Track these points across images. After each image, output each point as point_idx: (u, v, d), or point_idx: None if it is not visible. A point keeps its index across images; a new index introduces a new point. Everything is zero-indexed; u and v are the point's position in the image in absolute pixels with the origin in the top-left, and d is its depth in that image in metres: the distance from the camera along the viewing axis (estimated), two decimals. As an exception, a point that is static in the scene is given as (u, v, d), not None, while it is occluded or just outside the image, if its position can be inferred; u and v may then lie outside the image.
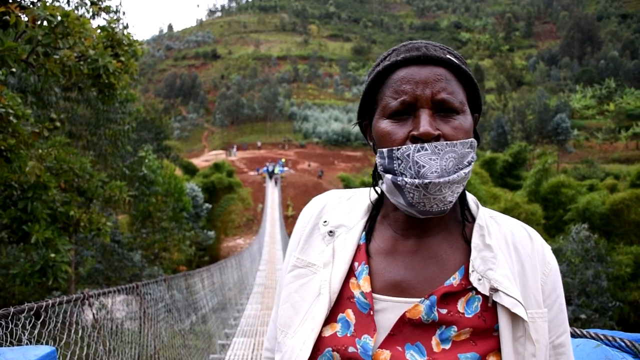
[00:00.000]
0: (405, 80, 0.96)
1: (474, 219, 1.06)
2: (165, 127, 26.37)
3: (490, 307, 0.94)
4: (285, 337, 1.00)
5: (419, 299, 0.94)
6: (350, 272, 1.01)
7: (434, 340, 0.91)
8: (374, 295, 0.97)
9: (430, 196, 0.91)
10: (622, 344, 1.30)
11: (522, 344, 0.91)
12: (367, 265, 1.01)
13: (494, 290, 0.93)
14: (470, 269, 0.96)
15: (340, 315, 0.97)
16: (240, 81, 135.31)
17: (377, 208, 1.11)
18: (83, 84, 5.85)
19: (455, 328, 0.91)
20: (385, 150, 0.96)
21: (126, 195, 9.24)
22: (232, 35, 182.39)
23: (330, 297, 0.97)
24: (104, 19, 6.19)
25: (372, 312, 0.94)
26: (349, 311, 0.97)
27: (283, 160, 71.84)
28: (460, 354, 0.89)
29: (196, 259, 25.82)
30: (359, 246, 1.05)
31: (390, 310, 0.95)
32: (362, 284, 0.98)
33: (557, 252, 18.72)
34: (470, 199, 1.10)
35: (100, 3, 6.13)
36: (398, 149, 0.93)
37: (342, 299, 0.99)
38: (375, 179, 1.11)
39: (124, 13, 10.31)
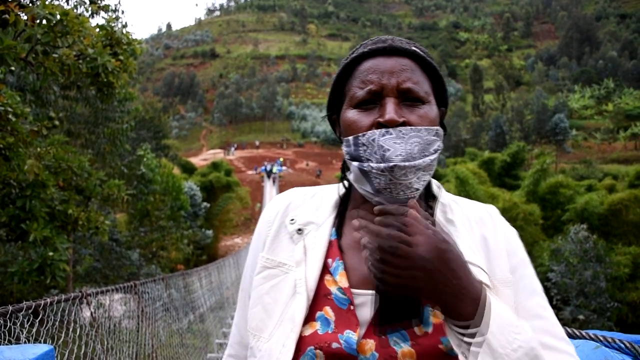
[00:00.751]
0: (371, 70, 0.98)
1: (435, 201, 1.08)
2: (164, 126, 26.34)
3: None
4: (259, 342, 0.98)
5: None
6: (324, 269, 1.01)
7: (414, 322, 0.91)
8: (352, 290, 0.97)
9: (396, 181, 0.92)
10: (622, 345, 1.30)
11: None
12: (342, 261, 1.01)
13: None
14: None
15: (318, 314, 0.96)
16: (238, 80, 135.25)
17: (346, 202, 1.11)
18: (82, 83, 5.85)
19: (429, 309, 0.92)
20: (351, 137, 0.98)
21: (124, 194, 9.24)
22: (231, 35, 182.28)
23: (308, 296, 0.97)
24: (102, 17, 6.19)
25: (352, 307, 0.94)
26: (327, 308, 0.96)
27: (281, 159, 71.79)
28: (442, 337, 0.90)
29: (194, 257, 25.80)
30: (330, 242, 1.04)
31: (369, 303, 0.94)
32: (339, 280, 0.98)
33: (555, 252, 18.76)
34: (434, 183, 1.12)
35: (99, 2, 6.12)
36: (363, 135, 0.95)
37: (319, 297, 0.98)
38: (344, 172, 1.11)
39: (122, 12, 10.29)
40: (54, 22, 4.50)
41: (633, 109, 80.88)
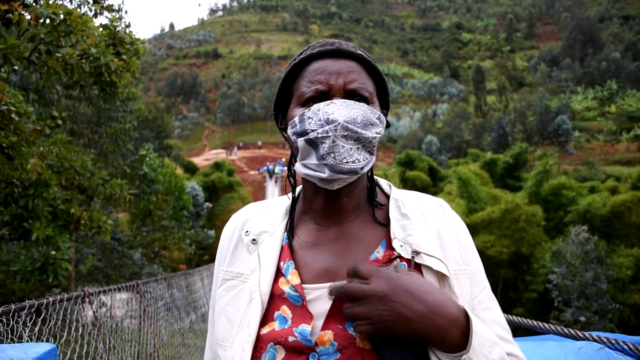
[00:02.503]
0: (319, 71, 1.03)
1: (388, 199, 1.13)
2: (166, 125, 26.38)
3: (414, 270, 0.99)
4: (225, 351, 1.02)
5: (348, 279, 0.97)
6: (279, 273, 1.05)
7: None
8: (305, 286, 1.00)
9: (339, 143, 0.97)
10: (625, 347, 1.30)
11: None
12: (291, 261, 1.05)
13: (416, 253, 1.00)
14: (392, 236, 1.03)
15: (276, 313, 1.00)
16: (241, 80, 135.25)
17: (294, 205, 1.16)
18: (85, 82, 5.86)
19: None
20: (296, 117, 1.02)
21: (127, 194, 9.24)
22: (234, 35, 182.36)
23: (262, 299, 1.00)
24: (106, 17, 6.19)
25: (304, 303, 0.98)
26: (284, 307, 1.00)
27: (283, 159, 71.79)
28: None
29: (196, 257, 25.82)
30: (282, 246, 1.08)
31: (323, 297, 0.98)
32: (290, 279, 1.02)
33: (556, 254, 18.73)
34: (383, 182, 1.18)
35: (102, 2, 6.13)
36: (309, 109, 1.01)
37: (275, 299, 1.01)
38: (291, 170, 1.16)
39: (126, 12, 10.30)
40: (58, 21, 4.51)
41: (636, 111, 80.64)
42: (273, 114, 1.17)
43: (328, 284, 0.98)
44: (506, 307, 20.91)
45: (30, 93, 9.03)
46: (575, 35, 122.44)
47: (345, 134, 0.96)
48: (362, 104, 1.01)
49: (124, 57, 5.77)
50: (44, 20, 4.56)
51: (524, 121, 74.50)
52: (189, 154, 73.88)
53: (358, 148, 0.98)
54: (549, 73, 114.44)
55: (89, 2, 6.20)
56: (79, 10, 6.00)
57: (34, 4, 4.75)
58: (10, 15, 4.30)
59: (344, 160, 0.97)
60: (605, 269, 17.47)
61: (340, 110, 0.98)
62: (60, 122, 8.17)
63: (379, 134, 1.02)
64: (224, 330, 1.04)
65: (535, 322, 1.67)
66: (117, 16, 6.20)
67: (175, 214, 19.44)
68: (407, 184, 29.13)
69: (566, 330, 1.50)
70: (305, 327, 0.94)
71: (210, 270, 13.01)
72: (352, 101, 1.00)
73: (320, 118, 0.98)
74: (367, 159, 1.01)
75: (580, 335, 1.44)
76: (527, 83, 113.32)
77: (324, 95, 1.02)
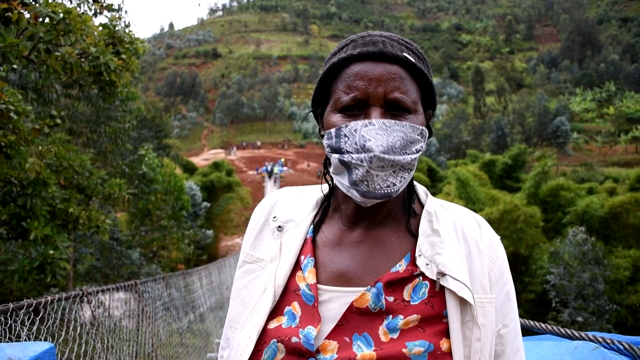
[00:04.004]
0: (358, 76, 0.95)
1: (422, 209, 1.07)
2: (165, 125, 26.35)
3: (438, 292, 0.94)
4: (234, 332, 1.01)
5: (364, 288, 0.94)
6: (297, 266, 1.02)
7: (381, 330, 0.91)
8: (319, 286, 0.97)
9: (373, 173, 0.91)
10: (620, 346, 1.31)
11: (469, 328, 0.91)
12: (312, 258, 1.01)
13: (442, 274, 0.93)
14: (417, 254, 0.97)
15: (286, 308, 0.97)
16: (240, 80, 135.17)
17: (329, 200, 1.12)
18: (84, 81, 5.86)
19: (401, 317, 0.91)
20: (333, 129, 0.96)
21: (125, 193, 9.24)
22: (233, 35, 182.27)
23: (274, 292, 0.98)
24: (105, 16, 6.19)
25: (316, 304, 0.95)
26: (295, 304, 0.97)
27: (282, 160, 71.81)
28: (408, 342, 0.89)
29: (194, 257, 25.82)
30: (306, 240, 1.05)
31: (335, 300, 0.95)
32: (307, 276, 0.99)
33: (554, 255, 18.75)
34: (420, 189, 1.11)
35: (102, 1, 6.13)
36: (346, 126, 0.94)
37: (289, 292, 0.99)
38: (327, 168, 1.11)
39: (125, 11, 10.30)
40: (57, 20, 4.51)
41: (634, 112, 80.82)
42: (312, 110, 1.12)
43: (341, 288, 0.96)
44: (504, 308, 20.92)
45: (29, 92, 9.02)
46: (574, 37, 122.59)
47: (381, 164, 0.90)
48: (403, 122, 0.93)
49: (123, 56, 5.77)
50: (43, 19, 4.56)
51: (523, 122, 74.62)
52: (187, 154, 73.86)
53: (395, 171, 0.92)
54: (547, 74, 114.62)
55: (88, 2, 6.20)
56: (78, 9, 6.00)
57: (33, 3, 4.75)
58: (10, 13, 4.30)
59: (378, 187, 0.92)
60: (602, 269, 17.49)
61: (378, 136, 0.90)
62: (59, 121, 8.16)
63: (419, 151, 0.96)
64: (237, 312, 1.04)
65: (532, 322, 1.68)
66: (117, 15, 6.20)
67: (174, 214, 19.43)
68: (405, 184, 29.09)
69: (562, 330, 1.51)
70: (311, 330, 0.91)
71: (209, 270, 13.02)
72: (393, 122, 0.92)
73: (357, 142, 0.91)
74: (404, 179, 0.95)
75: (576, 335, 1.45)
76: (526, 84, 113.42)
77: (361, 104, 0.95)
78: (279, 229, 1.08)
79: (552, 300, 18.28)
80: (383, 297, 0.93)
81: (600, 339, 1.37)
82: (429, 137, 1.03)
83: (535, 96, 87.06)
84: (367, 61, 0.96)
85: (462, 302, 0.92)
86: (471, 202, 23.22)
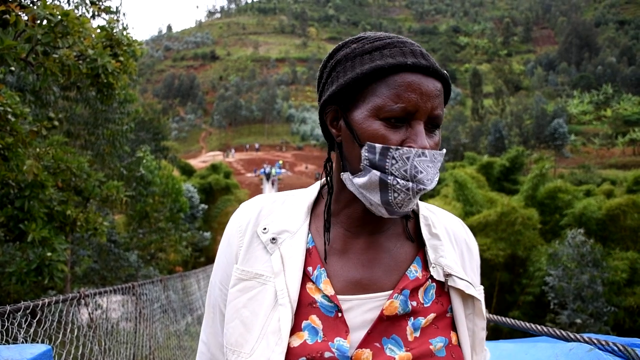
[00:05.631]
0: (411, 87, 0.92)
1: (414, 213, 1.12)
2: (163, 127, 26.31)
3: (444, 292, 1.01)
4: (239, 357, 0.96)
5: (383, 293, 0.97)
6: (305, 278, 0.99)
7: (408, 330, 0.95)
8: (338, 296, 0.96)
9: (412, 200, 0.92)
10: (615, 348, 1.31)
11: (471, 320, 1.00)
12: (323, 268, 0.99)
13: (448, 275, 1.00)
14: (429, 258, 1.02)
15: (304, 323, 0.94)
16: (238, 83, 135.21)
17: (328, 207, 1.07)
18: (82, 84, 5.86)
19: (422, 318, 0.97)
20: (379, 146, 0.92)
21: (123, 196, 9.22)
22: (231, 37, 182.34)
23: (292, 306, 0.94)
24: (103, 19, 6.19)
25: (340, 314, 0.94)
26: (314, 317, 0.95)
27: (280, 162, 71.78)
28: (430, 339, 0.95)
29: (192, 259, 25.79)
30: (308, 250, 1.02)
31: (355, 308, 0.96)
32: (323, 288, 0.97)
33: (552, 257, 18.77)
34: None
35: (100, 3, 6.13)
36: (397, 149, 0.91)
37: (302, 306, 0.96)
38: (328, 173, 1.08)
39: (124, 14, 10.29)
40: (55, 22, 4.51)
41: (631, 115, 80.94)
42: (323, 103, 1.02)
43: (361, 296, 0.96)
44: (502, 310, 20.95)
45: (27, 94, 9.01)
46: (571, 39, 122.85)
47: (421, 194, 0.93)
48: (442, 152, 0.95)
49: (121, 58, 5.77)
50: (41, 22, 4.56)
51: (521, 125, 74.75)
52: (185, 156, 73.81)
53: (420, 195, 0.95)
54: (545, 77, 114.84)
55: (86, 4, 6.20)
56: (76, 11, 5.99)
57: (31, 5, 4.75)
58: (7, 16, 4.30)
59: (404, 208, 0.93)
60: (600, 271, 17.51)
61: (428, 168, 0.91)
62: (57, 123, 8.16)
63: (438, 173, 0.97)
64: (238, 334, 0.97)
65: (527, 324, 1.69)
66: (115, 18, 6.20)
67: (172, 216, 19.41)
68: (403, 186, 29.09)
69: (558, 332, 1.52)
70: (343, 342, 0.91)
71: (207, 273, 12.97)
72: (438, 153, 0.93)
73: (407, 170, 0.90)
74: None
75: (572, 336, 1.46)
76: (524, 87, 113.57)
77: (409, 115, 0.92)
78: (273, 241, 1.02)
79: (551, 302, 18.30)
80: (409, 302, 0.97)
81: (595, 341, 1.38)
82: None
83: (533, 98, 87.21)
84: (418, 73, 0.93)
85: (465, 298, 1.00)
86: (469, 204, 23.26)
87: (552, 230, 22.47)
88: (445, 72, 0.97)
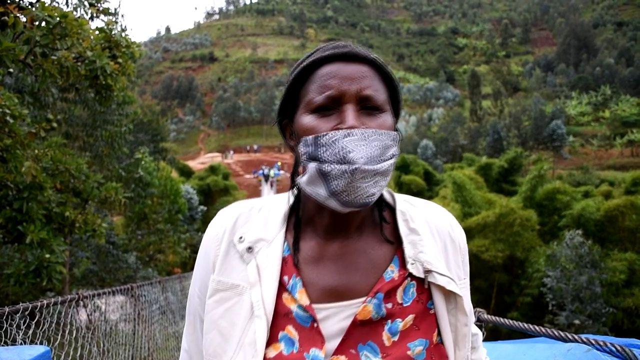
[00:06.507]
0: (331, 75, 0.95)
1: (392, 209, 1.08)
2: (162, 129, 26.32)
3: (425, 288, 0.98)
4: None
5: (360, 299, 0.95)
6: (281, 287, 0.97)
7: (385, 336, 0.93)
8: (314, 305, 0.94)
9: (355, 184, 0.88)
10: (613, 348, 1.32)
11: (453, 315, 0.97)
12: (299, 278, 0.97)
13: (428, 272, 0.97)
14: (407, 256, 0.98)
15: (281, 334, 0.93)
16: (237, 84, 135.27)
17: (297, 214, 1.06)
18: (80, 85, 5.85)
19: (399, 320, 0.94)
20: (310, 137, 0.93)
21: (122, 197, 9.21)
22: (230, 38, 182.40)
23: (267, 318, 0.93)
24: (102, 20, 6.19)
25: (316, 324, 0.93)
26: (290, 327, 0.94)
27: (279, 163, 71.78)
28: (409, 343, 0.92)
29: (191, 261, 25.71)
30: (284, 259, 1.01)
31: (332, 317, 0.94)
32: (298, 298, 0.95)
33: (551, 258, 18.79)
34: (385, 190, 1.10)
35: (98, 5, 6.13)
36: (324, 135, 0.91)
37: (278, 317, 0.95)
38: (294, 181, 1.07)
39: (122, 15, 10.29)
40: (53, 24, 4.51)
41: (629, 116, 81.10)
42: (277, 120, 1.08)
43: (337, 304, 0.94)
44: (501, 311, 20.95)
45: (26, 96, 9.00)
46: (569, 40, 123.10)
47: (364, 175, 0.88)
48: (381, 131, 0.91)
49: (120, 60, 5.77)
50: (40, 23, 4.56)
51: (519, 126, 74.84)
52: (184, 158, 73.79)
53: (375, 182, 0.91)
54: (543, 78, 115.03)
55: (85, 5, 6.20)
56: (75, 13, 5.99)
57: (29, 7, 4.75)
58: (6, 17, 4.30)
59: (358, 198, 0.90)
60: (599, 272, 17.53)
61: (359, 147, 0.88)
62: (55, 125, 8.15)
63: (394, 155, 0.95)
64: (217, 345, 0.96)
65: (526, 325, 1.69)
66: (113, 19, 6.20)
67: (171, 218, 19.39)
68: (402, 188, 29.17)
69: (556, 333, 1.52)
70: (318, 353, 0.90)
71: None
72: (371, 130, 0.90)
73: (337, 153, 0.88)
74: (381, 187, 0.93)
75: (570, 337, 1.46)
76: (522, 88, 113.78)
77: (335, 102, 0.93)
78: (249, 250, 1.00)
79: (549, 303, 18.31)
80: (383, 305, 0.94)
81: (592, 341, 1.38)
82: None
83: (532, 100, 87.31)
84: (338, 62, 0.96)
85: (446, 293, 0.97)
86: (467, 205, 23.27)
87: (550, 232, 22.48)
88: (373, 56, 0.98)
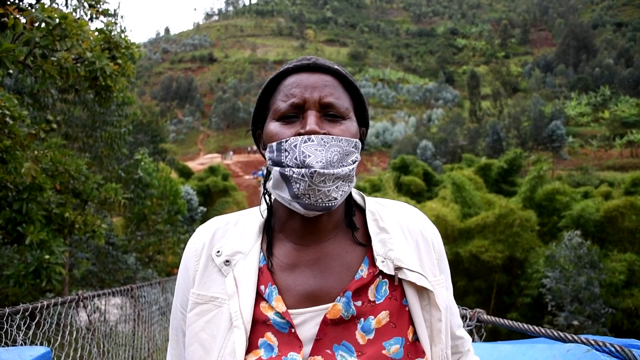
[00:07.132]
0: (294, 84, 1.01)
1: (361, 210, 1.12)
2: (161, 130, 26.32)
3: (397, 285, 1.01)
4: None
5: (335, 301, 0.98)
6: (258, 297, 1.00)
7: (358, 334, 0.95)
8: (290, 311, 0.97)
9: (314, 187, 0.93)
10: (612, 349, 1.32)
11: (427, 311, 1.00)
12: (274, 285, 1.00)
13: (398, 268, 1.00)
14: (375, 254, 1.02)
15: (260, 341, 0.96)
16: (236, 85, 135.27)
17: (269, 223, 1.11)
18: (80, 86, 5.85)
19: (372, 317, 0.97)
20: (274, 143, 0.99)
21: (121, 198, 9.21)
22: (229, 39, 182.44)
23: (245, 328, 0.96)
24: (101, 21, 6.20)
25: (293, 330, 0.95)
26: (269, 334, 0.96)
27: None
28: (384, 342, 0.95)
29: (191, 262, 25.76)
30: (260, 268, 1.04)
31: (309, 320, 0.97)
32: (275, 305, 0.98)
33: (550, 258, 18.78)
34: (355, 192, 1.14)
35: (98, 6, 6.13)
36: (286, 141, 0.96)
37: (257, 325, 0.98)
38: (266, 189, 1.11)
39: (122, 17, 10.30)
40: (53, 25, 4.51)
41: (629, 117, 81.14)
42: (251, 130, 1.14)
43: (313, 308, 0.97)
44: (500, 312, 20.95)
45: (25, 97, 9.00)
46: (569, 41, 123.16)
47: (322, 179, 0.93)
48: (340, 138, 0.97)
49: (119, 61, 5.78)
50: (39, 24, 4.56)
51: (518, 126, 74.84)
52: (183, 158, 73.77)
53: (337, 186, 0.95)
54: (543, 79, 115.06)
55: (84, 7, 6.20)
56: (74, 14, 6.00)
57: (29, 8, 4.75)
58: (6, 19, 4.30)
59: (319, 201, 0.95)
60: (598, 273, 17.52)
61: (317, 152, 0.93)
62: (55, 126, 8.16)
63: (355, 162, 1.00)
64: (198, 358, 0.99)
65: (525, 325, 1.70)
66: (113, 20, 6.21)
67: (170, 218, 19.39)
68: (402, 188, 29.15)
69: (555, 333, 1.52)
70: (296, 356, 0.92)
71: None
72: (330, 137, 0.96)
73: (297, 157, 0.94)
74: (344, 192, 0.98)
75: (569, 337, 1.47)
76: (522, 89, 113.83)
77: (299, 109, 1.00)
78: (227, 263, 1.04)
79: (548, 304, 18.31)
80: (352, 303, 0.97)
81: (592, 342, 1.39)
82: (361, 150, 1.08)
83: (531, 100, 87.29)
84: (302, 72, 1.03)
85: (419, 289, 1.00)
86: (467, 206, 23.26)
87: (550, 232, 22.47)
88: (336, 67, 1.05)
